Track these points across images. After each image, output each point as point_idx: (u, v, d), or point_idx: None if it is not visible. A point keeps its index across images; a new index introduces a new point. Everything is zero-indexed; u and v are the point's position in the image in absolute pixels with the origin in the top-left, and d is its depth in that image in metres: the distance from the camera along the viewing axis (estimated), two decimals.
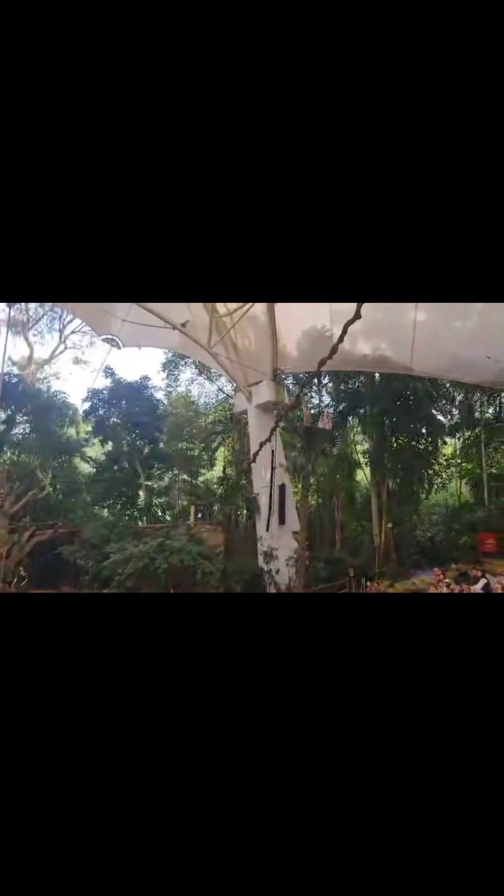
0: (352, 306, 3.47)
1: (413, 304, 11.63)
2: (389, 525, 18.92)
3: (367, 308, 3.42)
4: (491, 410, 21.26)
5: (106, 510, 22.13)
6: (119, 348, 18.18)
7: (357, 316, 3.50)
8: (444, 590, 10.88)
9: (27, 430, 22.17)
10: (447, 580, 11.75)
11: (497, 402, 21.01)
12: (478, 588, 10.10)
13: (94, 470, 23.55)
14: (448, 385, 20.05)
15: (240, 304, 14.74)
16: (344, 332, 3.88)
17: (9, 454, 21.75)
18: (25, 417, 21.99)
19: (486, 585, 10.11)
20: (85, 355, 28.31)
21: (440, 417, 21.15)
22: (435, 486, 22.36)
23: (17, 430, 22.24)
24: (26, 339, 25.36)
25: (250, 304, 14.63)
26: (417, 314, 11.92)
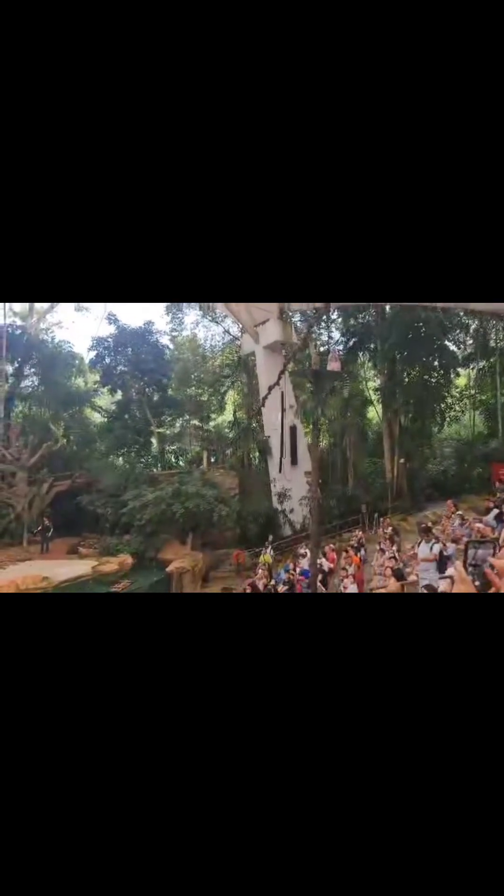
0: None
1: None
2: (402, 461, 18.97)
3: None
4: None
5: (120, 459, 22.47)
6: None
7: None
8: (457, 521, 11.05)
9: (36, 383, 22.12)
10: (460, 512, 11.91)
11: None
12: (489, 518, 10.22)
13: (106, 419, 23.66)
14: (462, 314, 19.26)
15: None
16: None
17: (20, 407, 21.86)
18: (33, 370, 21.86)
19: (499, 516, 10.20)
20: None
21: (453, 348, 20.53)
22: (448, 419, 22.13)
23: (26, 382, 22.20)
24: None
25: None
26: None
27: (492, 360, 20.35)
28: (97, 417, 24.49)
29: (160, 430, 22.90)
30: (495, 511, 10.42)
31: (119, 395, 22.90)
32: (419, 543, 7.92)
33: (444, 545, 7.72)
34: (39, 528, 16.06)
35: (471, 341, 21.10)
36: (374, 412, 22.93)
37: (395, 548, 10.96)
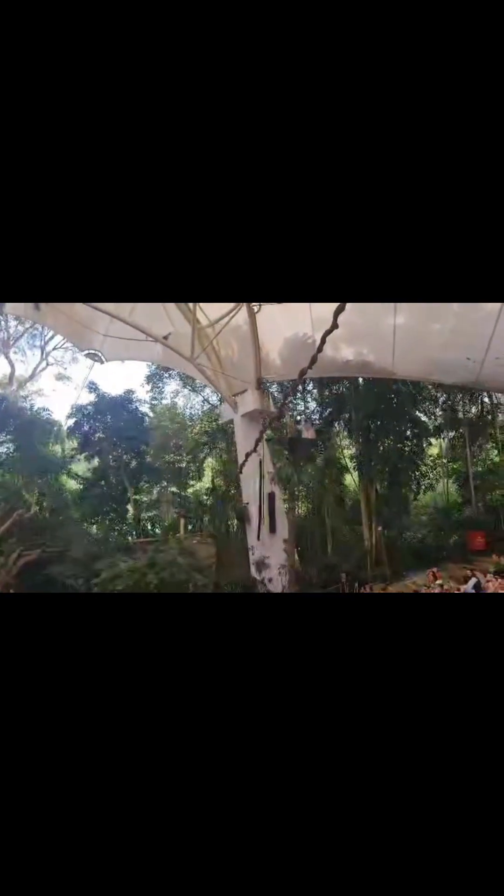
0: (332, 314, 3.49)
1: (392, 309, 11.77)
2: (379, 528, 18.98)
3: (347, 314, 3.44)
4: (473, 410, 21.55)
5: (95, 527, 21.82)
6: (102, 363, 18.10)
7: (334, 326, 3.52)
8: (437, 591, 10.92)
9: (11, 450, 21.82)
10: (439, 581, 11.81)
11: (479, 401, 21.31)
12: (468, 587, 10.16)
13: (82, 486, 23.27)
14: (430, 387, 20.28)
15: (221, 314, 14.79)
16: (322, 342, 3.90)
17: None
18: (9, 436, 21.64)
19: (477, 584, 10.17)
20: (67, 371, 28.19)
21: (424, 419, 21.37)
22: (423, 487, 22.54)
23: (1, 449, 21.89)
24: (7, 357, 25.12)
25: (232, 313, 14.69)
26: (396, 318, 12.06)
27: (461, 430, 21.19)
28: (73, 485, 24.08)
29: (137, 496, 22.55)
30: (473, 580, 10.40)
31: (96, 461, 22.71)
32: None
33: None
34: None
35: (440, 412, 22.06)
36: (351, 479, 23.23)
37: None
